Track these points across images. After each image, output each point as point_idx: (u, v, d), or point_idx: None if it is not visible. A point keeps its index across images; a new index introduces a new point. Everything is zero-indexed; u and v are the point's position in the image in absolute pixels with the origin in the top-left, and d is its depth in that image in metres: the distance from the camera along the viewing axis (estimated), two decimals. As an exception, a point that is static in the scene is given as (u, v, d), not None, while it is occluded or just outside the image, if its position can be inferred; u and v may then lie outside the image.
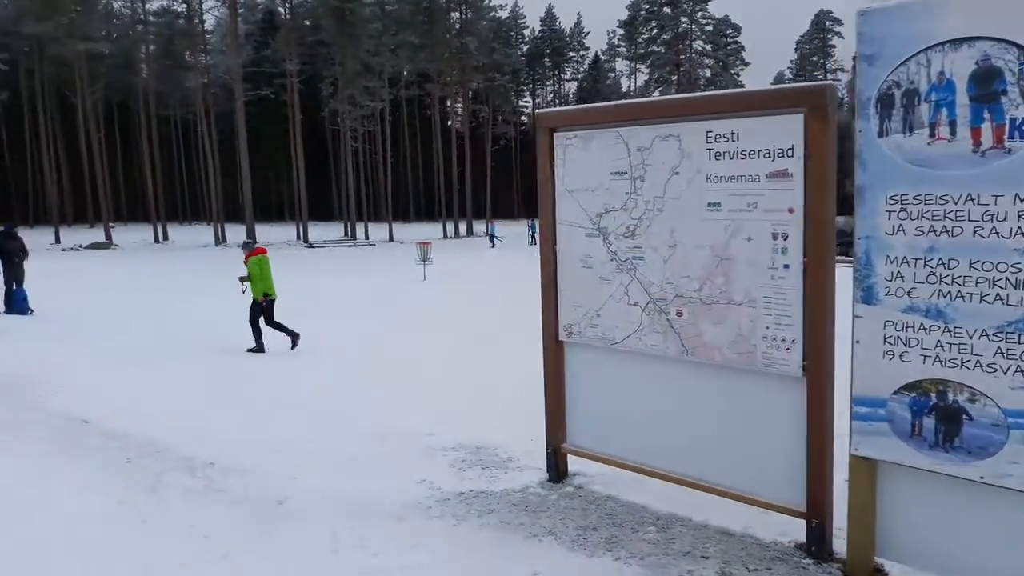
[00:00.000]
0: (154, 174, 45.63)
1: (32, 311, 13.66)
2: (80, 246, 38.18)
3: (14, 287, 13.69)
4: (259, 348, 10.31)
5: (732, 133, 3.67)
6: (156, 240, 44.11)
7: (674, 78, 62.47)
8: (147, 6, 45.58)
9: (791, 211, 3.50)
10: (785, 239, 3.54)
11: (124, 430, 5.83)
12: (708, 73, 67.65)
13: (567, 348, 4.50)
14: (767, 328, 3.63)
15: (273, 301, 10.55)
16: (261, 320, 10.43)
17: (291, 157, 47.00)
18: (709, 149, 3.74)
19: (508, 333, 11.39)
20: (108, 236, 41.43)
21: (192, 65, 46.95)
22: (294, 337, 10.38)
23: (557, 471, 4.64)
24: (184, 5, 45.60)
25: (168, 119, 58.86)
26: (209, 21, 49.04)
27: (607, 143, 4.11)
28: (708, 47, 69.23)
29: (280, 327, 10.47)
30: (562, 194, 4.36)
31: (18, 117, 55.06)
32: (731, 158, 3.68)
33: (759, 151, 3.59)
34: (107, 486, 4.55)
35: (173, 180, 61.65)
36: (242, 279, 10.67)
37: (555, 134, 4.36)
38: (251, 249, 10.83)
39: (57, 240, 40.98)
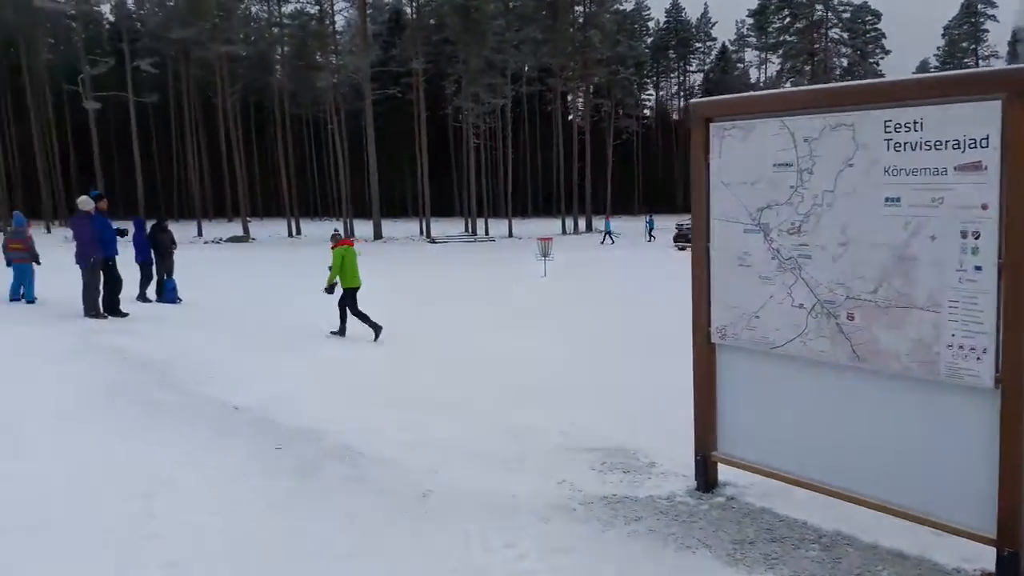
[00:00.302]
0: (288, 171, 47.77)
1: (181, 300, 14.47)
2: (220, 239, 40.47)
3: (165, 277, 14.54)
4: (341, 332, 11.16)
5: (915, 122, 3.35)
6: (290, 234, 46.18)
7: (807, 68, 59.86)
8: (283, 9, 47.59)
9: (984, 208, 3.16)
10: (976, 238, 3.20)
11: (272, 417, 6.02)
12: (844, 62, 64.51)
13: (720, 351, 4.28)
14: (953, 335, 3.30)
15: (355, 290, 11.20)
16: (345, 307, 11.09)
17: (415, 154, 48.17)
18: (888, 139, 3.43)
19: (631, 332, 11.20)
20: (246, 230, 43.68)
21: (323, 65, 48.87)
22: (377, 329, 10.97)
23: (706, 480, 4.42)
24: (317, 7, 47.53)
25: (300, 118, 61.47)
26: (339, 22, 51.01)
27: (770, 133, 3.85)
28: (845, 35, 65.94)
29: (364, 318, 11.09)
30: (717, 188, 4.14)
31: (165, 117, 58.99)
32: (913, 149, 3.36)
33: (947, 142, 3.26)
34: (262, 472, 4.69)
35: (305, 177, 64.35)
36: (331, 268, 11.31)
37: (711, 124, 4.14)
38: (337, 240, 11.68)
39: (200, 233, 43.57)
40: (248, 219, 46.04)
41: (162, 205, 54.56)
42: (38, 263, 13.23)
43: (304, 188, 63.45)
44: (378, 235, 41.69)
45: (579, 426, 5.92)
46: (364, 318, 11.11)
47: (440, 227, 47.98)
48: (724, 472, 4.49)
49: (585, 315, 13.46)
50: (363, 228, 43.54)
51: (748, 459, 4.19)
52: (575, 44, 52.46)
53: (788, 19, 65.44)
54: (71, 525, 3.83)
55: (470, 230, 47.02)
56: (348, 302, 11.15)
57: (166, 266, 14.61)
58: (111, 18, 61.99)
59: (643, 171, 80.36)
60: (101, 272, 11.81)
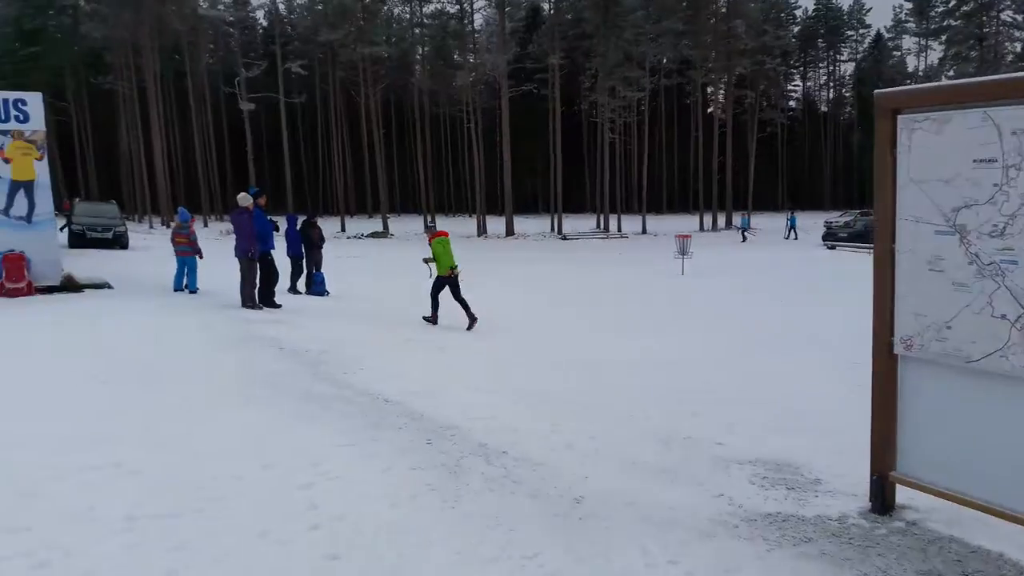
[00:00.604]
0: (425, 168, 49.04)
1: (328, 293, 15.07)
2: (362, 235, 41.99)
3: (314, 271, 15.18)
4: (433, 319, 11.70)
5: None
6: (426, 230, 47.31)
7: (974, 54, 55.38)
8: (423, 9, 48.88)
9: None
10: None
11: (421, 411, 6.09)
12: (1019, 47, 59.17)
13: (903, 363, 3.91)
14: None
15: (448, 279, 11.68)
16: (444, 295, 11.61)
17: (548, 151, 48.28)
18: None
19: (787, 335, 10.65)
20: (385, 226, 45.14)
21: (461, 64, 49.72)
22: (472, 319, 11.48)
23: (883, 501, 4.07)
24: (457, 7, 48.51)
25: (438, 116, 62.97)
26: (477, 20, 51.78)
27: (970, 126, 3.47)
28: (1019, 17, 60.46)
29: (464, 304, 11.63)
30: (905, 185, 3.78)
31: (312, 117, 61.94)
32: None
33: None
34: (413, 467, 4.73)
35: (441, 174, 65.95)
36: (426, 260, 12.07)
37: (899, 116, 3.79)
38: (433, 232, 12.34)
39: (343, 229, 45.40)
40: (387, 215, 47.55)
41: (308, 201, 57.32)
42: (200, 256, 14.15)
43: (439, 185, 65.02)
44: (510, 231, 42.04)
45: (735, 435, 5.64)
46: (465, 305, 11.63)
47: (571, 224, 47.84)
48: (901, 494, 4.13)
49: (733, 316, 12.96)
50: (495, 224, 44.05)
51: (934, 482, 3.81)
52: (717, 34, 50.90)
53: (953, 2, 60.75)
54: (232, 512, 3.97)
55: (602, 226, 46.65)
56: (450, 287, 11.64)
57: (315, 260, 15.25)
58: (264, 23, 65.84)
59: (787, 166, 77.14)
60: (258, 265, 12.49)
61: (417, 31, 52.87)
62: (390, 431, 5.52)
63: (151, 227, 42.23)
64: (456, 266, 11.65)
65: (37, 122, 12.89)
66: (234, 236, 12.48)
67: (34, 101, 12.90)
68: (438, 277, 11.71)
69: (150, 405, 6.03)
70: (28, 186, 12.89)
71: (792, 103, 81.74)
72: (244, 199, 12.79)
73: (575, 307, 14.61)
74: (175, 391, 6.50)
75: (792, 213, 42.74)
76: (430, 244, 11.96)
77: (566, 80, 50.89)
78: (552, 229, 44.90)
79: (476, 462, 4.87)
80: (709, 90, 59.12)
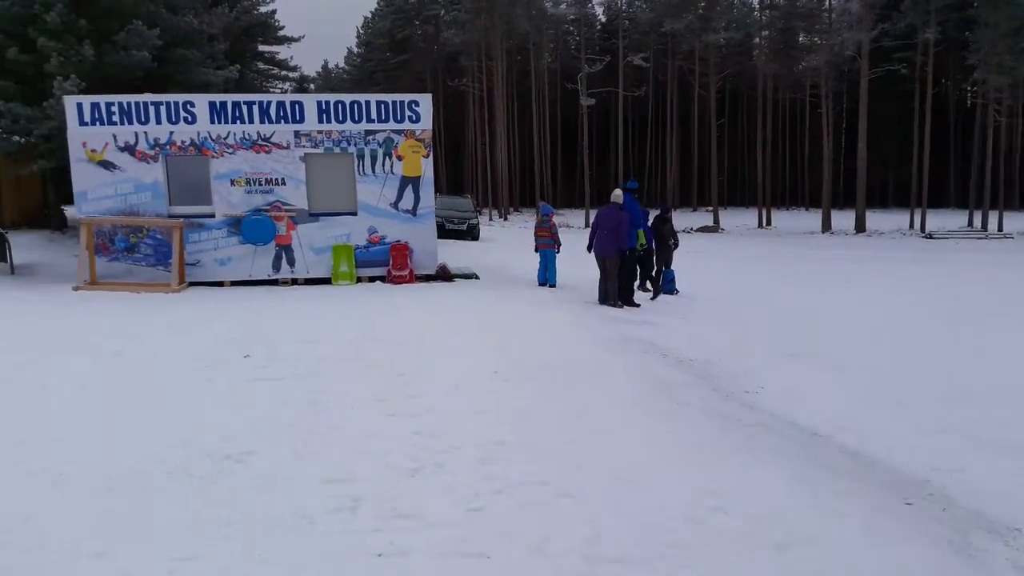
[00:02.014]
0: (764, 159, 46.41)
1: (678, 291, 14.32)
2: (691, 229, 40.89)
3: (664, 268, 14.51)
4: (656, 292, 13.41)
5: None
6: (759, 224, 44.89)
7: None
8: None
9: None
10: None
11: (866, 452, 5.03)
12: None
13: None
14: None
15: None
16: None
17: (906, 138, 42.96)
18: None
19: None
20: (716, 219, 43.57)
21: (808, 46, 46.02)
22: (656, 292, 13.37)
23: None
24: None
25: (777, 104, 59.39)
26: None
27: None
28: None
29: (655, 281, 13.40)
30: None
31: (642, 109, 61.81)
32: None
33: None
34: (905, 538, 3.72)
35: (777, 165, 62.32)
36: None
37: None
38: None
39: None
40: (717, 208, 45.88)
41: (642, 196, 57.28)
42: (558, 249, 14.18)
43: (776, 176, 61.46)
44: (860, 227, 38.09)
45: None
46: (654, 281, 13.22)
47: (935, 220, 42.17)
48: None
49: None
50: (842, 220, 40.28)
51: None
52: None
53: None
54: (707, 566, 3.29)
55: (976, 224, 40.33)
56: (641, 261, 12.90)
57: (665, 257, 14.59)
58: (602, 19, 67.21)
59: None
60: (619, 262, 12.14)
61: (758, 14, 50.01)
62: (844, 479, 4.56)
63: (490, 220, 45.02)
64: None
65: (427, 121, 13.78)
66: (596, 231, 12.28)
67: (425, 102, 13.81)
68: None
69: (553, 410, 5.71)
70: (415, 182, 13.83)
71: None
72: (618, 196, 12.49)
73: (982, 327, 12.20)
74: (574, 396, 6.15)
75: None
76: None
77: (935, 57, 44.79)
78: (911, 226, 39.93)
79: (989, 542, 3.71)
80: None
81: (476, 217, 29.82)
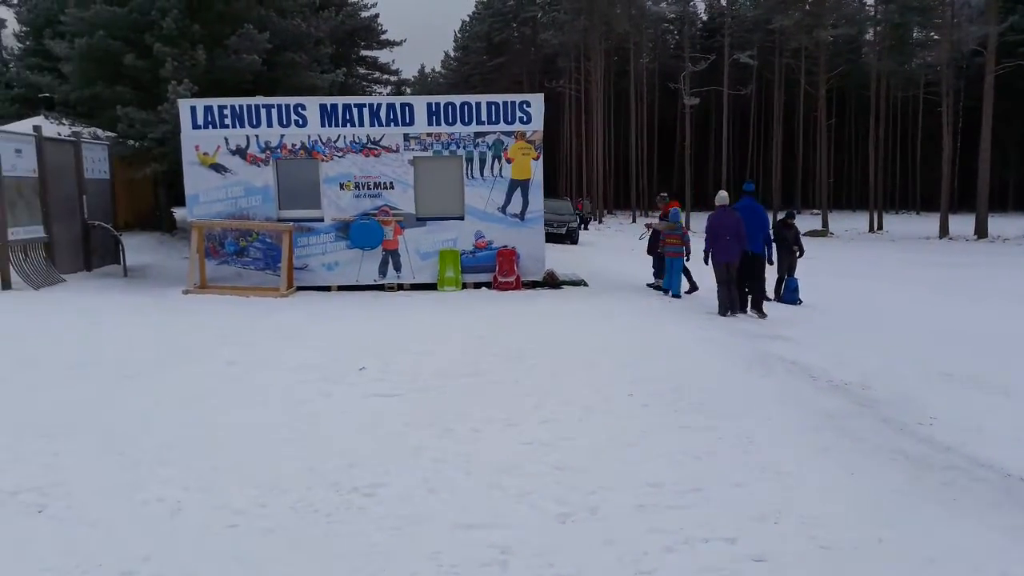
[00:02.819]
0: (876, 160, 43.97)
1: (801, 301, 13.31)
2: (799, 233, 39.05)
3: (786, 276, 13.53)
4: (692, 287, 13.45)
5: None
6: (870, 229, 42.57)
7: None
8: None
9: None
10: None
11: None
12: None
13: None
14: None
15: None
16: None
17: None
18: None
19: None
20: (825, 223, 41.55)
21: (926, 42, 43.37)
22: (693, 287, 13.43)
23: None
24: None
25: (889, 103, 56.40)
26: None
27: None
28: None
29: (687, 273, 13.33)
30: None
31: (744, 109, 59.73)
32: None
33: None
34: None
35: (886, 166, 59.24)
36: (648, 226, 14.71)
37: None
38: (666, 203, 14.06)
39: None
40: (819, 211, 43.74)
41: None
42: (687, 258, 13.32)
43: (887, 179, 58.43)
44: (982, 233, 35.49)
45: None
46: (687, 273, 13.32)
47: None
48: None
49: None
50: (959, 224, 37.71)
51: None
52: None
53: None
54: None
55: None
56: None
57: (788, 263, 13.61)
58: (703, 17, 65.43)
59: None
60: (738, 268, 11.36)
61: (871, 9, 47.46)
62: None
63: (585, 226, 44.21)
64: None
65: (538, 122, 13.26)
66: (705, 236, 11.58)
67: (536, 102, 13.29)
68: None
69: (709, 443, 5.07)
70: (524, 185, 13.33)
71: None
72: (723, 198, 11.73)
73: None
74: (730, 427, 5.48)
75: None
76: (664, 214, 13.66)
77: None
78: (1042, 232, 37.03)
79: None
80: None
81: (576, 220, 29.21)
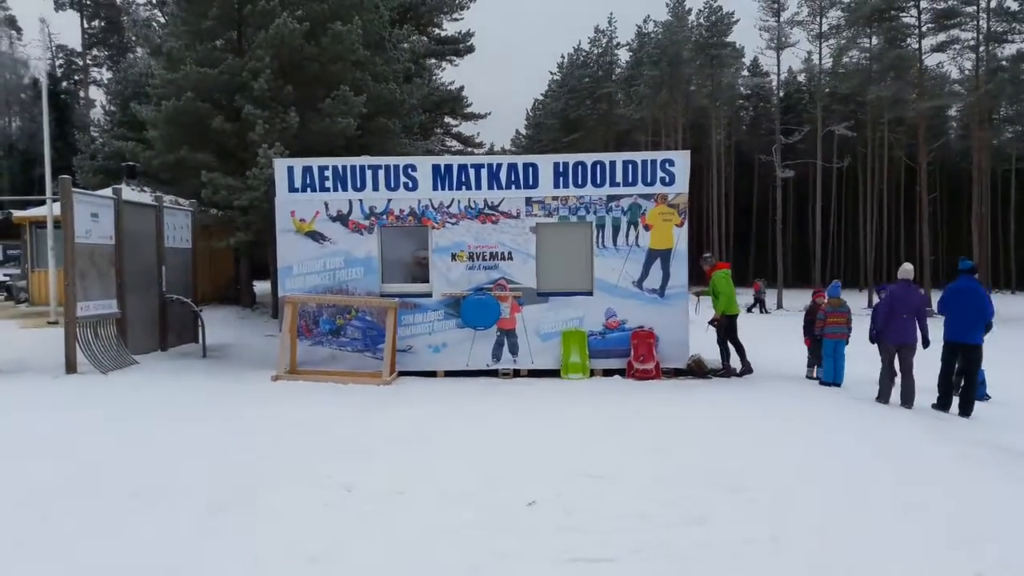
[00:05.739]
0: (980, 232, 40.75)
1: (990, 397, 10.90)
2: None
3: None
4: (745, 368, 11.57)
5: None
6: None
7: None
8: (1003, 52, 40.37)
9: None
10: None
11: None
12: None
13: None
14: None
15: (734, 317, 11.62)
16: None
17: None
18: None
19: None
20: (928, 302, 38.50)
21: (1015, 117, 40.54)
22: (748, 369, 11.53)
23: None
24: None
25: (994, 171, 52.84)
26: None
27: None
28: None
29: (740, 349, 11.58)
30: None
31: (839, 181, 56.95)
32: None
33: None
34: None
35: (997, 240, 55.39)
36: (697, 294, 12.74)
37: None
38: (712, 264, 12.12)
39: (869, 305, 39.89)
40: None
41: (829, 273, 52.21)
42: (848, 340, 11.20)
43: (997, 252, 54.62)
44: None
45: None
46: (741, 350, 11.55)
47: None
48: None
49: None
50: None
51: None
52: None
53: None
54: None
55: None
56: (726, 330, 11.52)
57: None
58: (780, 94, 63.58)
59: None
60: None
61: (975, 81, 44.92)
62: None
63: (763, 309, 41.93)
64: (734, 311, 11.65)
65: (682, 184, 11.40)
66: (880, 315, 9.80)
67: (681, 161, 11.43)
68: (723, 317, 11.56)
69: None
70: (665, 255, 11.41)
71: None
72: (907, 271, 9.80)
73: None
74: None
75: None
76: (709, 277, 11.89)
77: None
78: None
79: None
80: None
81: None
